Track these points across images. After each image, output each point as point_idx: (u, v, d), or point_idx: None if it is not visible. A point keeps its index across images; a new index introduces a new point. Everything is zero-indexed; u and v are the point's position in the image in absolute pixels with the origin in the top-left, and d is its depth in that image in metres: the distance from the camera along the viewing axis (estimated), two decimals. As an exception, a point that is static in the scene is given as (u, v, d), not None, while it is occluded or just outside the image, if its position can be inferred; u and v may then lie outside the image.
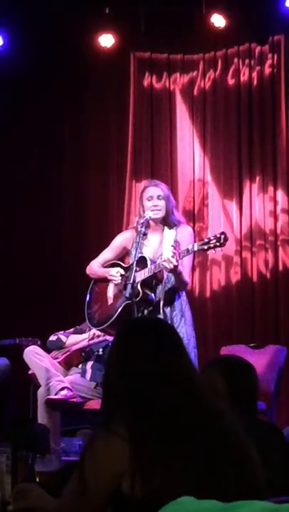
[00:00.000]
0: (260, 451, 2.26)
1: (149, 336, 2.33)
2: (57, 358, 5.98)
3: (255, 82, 7.27)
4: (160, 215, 5.57)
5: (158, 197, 5.58)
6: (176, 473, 2.09)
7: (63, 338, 6.13)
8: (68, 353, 6.00)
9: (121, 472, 2.11)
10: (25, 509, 2.39)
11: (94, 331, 5.93)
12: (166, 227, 5.60)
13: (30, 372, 5.86)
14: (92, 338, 6.00)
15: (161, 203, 5.57)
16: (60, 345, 6.11)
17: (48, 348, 6.09)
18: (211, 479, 2.10)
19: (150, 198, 5.58)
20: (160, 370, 2.23)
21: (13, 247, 7.48)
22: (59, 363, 5.93)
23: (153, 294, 5.46)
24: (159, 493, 2.04)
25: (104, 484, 2.13)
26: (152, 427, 2.15)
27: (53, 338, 6.13)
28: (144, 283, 5.40)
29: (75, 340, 6.11)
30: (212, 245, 5.20)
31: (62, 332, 6.18)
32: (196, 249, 5.27)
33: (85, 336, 6.08)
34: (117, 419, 2.17)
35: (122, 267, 5.71)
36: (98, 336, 6.00)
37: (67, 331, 6.19)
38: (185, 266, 5.43)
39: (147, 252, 5.53)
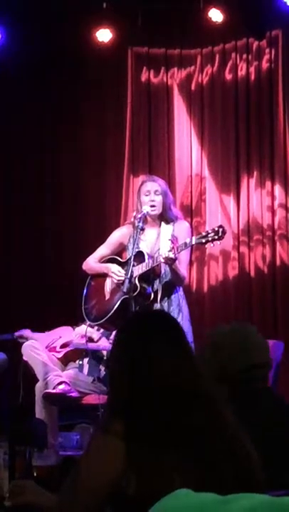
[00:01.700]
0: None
1: (148, 334, 2.32)
2: (56, 351, 5.98)
3: (252, 77, 7.26)
4: (157, 210, 5.57)
5: (155, 192, 5.58)
6: (171, 472, 2.09)
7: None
8: (68, 349, 6.00)
9: (117, 470, 2.12)
10: (22, 505, 2.40)
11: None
12: (163, 223, 5.61)
13: (24, 358, 5.85)
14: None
15: (159, 199, 5.58)
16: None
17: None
18: (209, 479, 2.10)
19: (147, 193, 5.59)
20: (158, 369, 2.22)
21: (11, 243, 7.48)
22: (59, 358, 5.93)
23: (150, 289, 5.46)
24: (155, 492, 2.04)
25: (99, 482, 2.14)
26: (148, 426, 2.15)
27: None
28: (142, 277, 5.41)
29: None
30: (210, 239, 5.21)
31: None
32: (194, 242, 5.28)
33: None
34: (116, 417, 2.18)
35: (118, 262, 5.71)
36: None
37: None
38: (182, 260, 5.43)
39: (144, 247, 5.54)
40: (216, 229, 5.23)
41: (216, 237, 5.20)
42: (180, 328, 2.39)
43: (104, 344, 5.88)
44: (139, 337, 2.29)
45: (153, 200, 5.56)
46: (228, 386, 2.75)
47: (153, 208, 5.54)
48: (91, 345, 5.94)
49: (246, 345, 2.90)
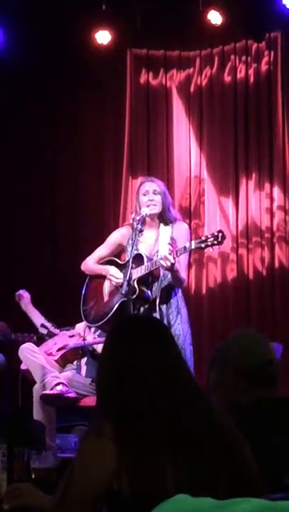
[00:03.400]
0: None
1: (135, 336, 2.34)
2: (53, 355, 5.98)
3: (251, 79, 7.27)
4: (156, 210, 5.55)
5: (154, 192, 5.58)
6: (164, 472, 2.10)
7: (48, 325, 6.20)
8: (65, 350, 6.00)
9: (109, 471, 2.13)
10: (20, 507, 2.41)
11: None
12: (162, 224, 5.60)
13: (22, 367, 5.86)
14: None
15: (157, 198, 5.57)
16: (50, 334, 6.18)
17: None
18: (202, 477, 2.11)
19: (146, 192, 5.58)
20: (142, 372, 2.24)
21: (11, 243, 7.49)
22: (56, 360, 5.93)
23: (149, 291, 5.46)
24: (148, 493, 2.05)
25: (92, 485, 2.16)
26: (138, 427, 2.16)
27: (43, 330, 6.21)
28: (141, 280, 5.40)
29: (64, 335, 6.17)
30: (209, 243, 5.20)
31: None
32: (193, 247, 5.27)
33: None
34: (105, 418, 2.19)
35: (117, 263, 5.71)
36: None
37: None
38: (182, 263, 5.42)
39: (143, 249, 5.53)
40: (216, 234, 5.21)
41: (216, 242, 5.18)
42: (168, 333, 2.42)
43: (100, 339, 5.89)
44: (126, 341, 2.32)
45: (152, 200, 5.55)
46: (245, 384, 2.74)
47: (152, 207, 5.53)
48: (88, 341, 5.96)
49: (254, 343, 2.96)
